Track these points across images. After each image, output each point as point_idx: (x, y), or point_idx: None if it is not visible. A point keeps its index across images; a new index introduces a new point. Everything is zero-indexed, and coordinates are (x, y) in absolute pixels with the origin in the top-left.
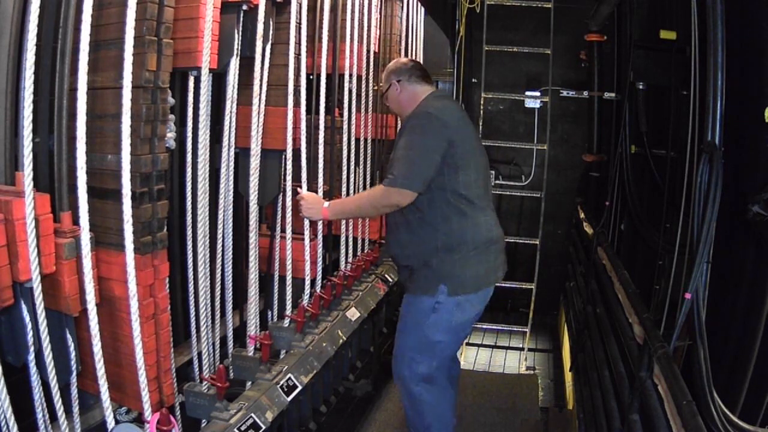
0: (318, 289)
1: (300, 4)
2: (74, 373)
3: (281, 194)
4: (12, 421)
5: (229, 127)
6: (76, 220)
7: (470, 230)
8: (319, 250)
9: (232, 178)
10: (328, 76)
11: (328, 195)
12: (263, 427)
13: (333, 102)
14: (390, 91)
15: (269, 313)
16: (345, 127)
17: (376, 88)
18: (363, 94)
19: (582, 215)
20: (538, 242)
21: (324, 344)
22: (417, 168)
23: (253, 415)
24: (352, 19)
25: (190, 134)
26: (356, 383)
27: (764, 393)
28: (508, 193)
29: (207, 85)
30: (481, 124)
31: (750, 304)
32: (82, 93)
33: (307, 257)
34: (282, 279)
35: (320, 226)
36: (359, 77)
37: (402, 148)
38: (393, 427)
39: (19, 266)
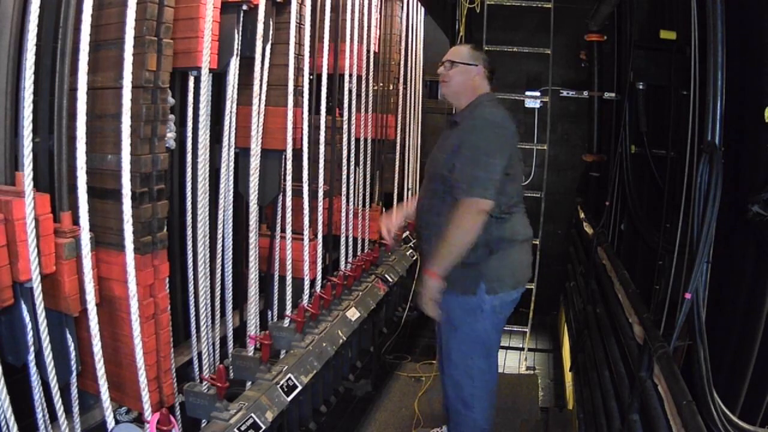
0: (318, 289)
1: (300, 4)
2: (74, 373)
3: (281, 194)
4: (12, 421)
5: (229, 127)
6: (76, 220)
7: (508, 231)
8: (319, 250)
9: (232, 178)
10: (329, 76)
11: (329, 195)
12: (263, 427)
13: (333, 102)
14: (470, 69)
15: (269, 313)
16: (345, 127)
17: (376, 87)
18: (363, 94)
19: (582, 215)
20: (538, 242)
21: (324, 344)
22: (491, 175)
23: (253, 415)
24: (352, 19)
25: (190, 134)
26: (356, 383)
27: (764, 393)
28: None
29: (207, 85)
30: None
31: (750, 304)
32: (82, 93)
33: (307, 257)
34: (282, 279)
35: (320, 226)
36: (359, 77)
37: (473, 148)
38: (393, 427)
39: (19, 266)
